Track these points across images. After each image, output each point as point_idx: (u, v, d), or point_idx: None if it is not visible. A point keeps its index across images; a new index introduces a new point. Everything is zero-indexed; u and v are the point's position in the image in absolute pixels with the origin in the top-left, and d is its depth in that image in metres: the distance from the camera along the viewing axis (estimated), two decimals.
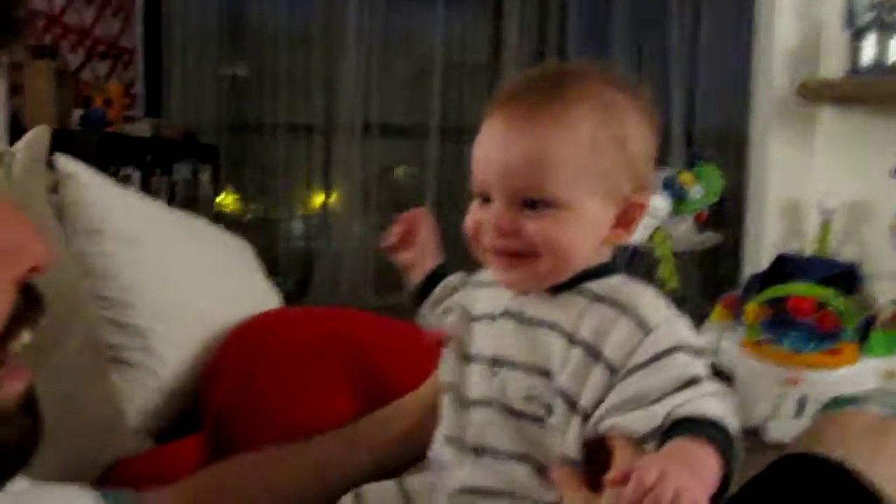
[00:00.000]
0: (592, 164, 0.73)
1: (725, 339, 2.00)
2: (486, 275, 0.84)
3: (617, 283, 0.75)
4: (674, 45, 4.38)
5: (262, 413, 1.12)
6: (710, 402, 0.66)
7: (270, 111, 4.36)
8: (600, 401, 0.69)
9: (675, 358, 0.68)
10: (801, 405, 2.27)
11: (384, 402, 0.95)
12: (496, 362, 0.77)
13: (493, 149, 0.75)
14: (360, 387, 1.13)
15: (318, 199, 4.50)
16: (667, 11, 4.40)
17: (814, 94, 2.28)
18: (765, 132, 2.43)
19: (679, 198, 2.06)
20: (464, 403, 0.79)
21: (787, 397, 2.26)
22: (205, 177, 3.84)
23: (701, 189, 2.04)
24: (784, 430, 2.25)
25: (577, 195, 0.73)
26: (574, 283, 0.76)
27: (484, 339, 0.80)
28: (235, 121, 4.41)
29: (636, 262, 2.30)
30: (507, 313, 0.78)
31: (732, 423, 0.65)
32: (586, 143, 0.73)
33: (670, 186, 2.06)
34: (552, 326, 0.74)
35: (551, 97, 0.74)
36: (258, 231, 4.53)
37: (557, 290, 0.76)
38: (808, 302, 1.84)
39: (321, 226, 4.48)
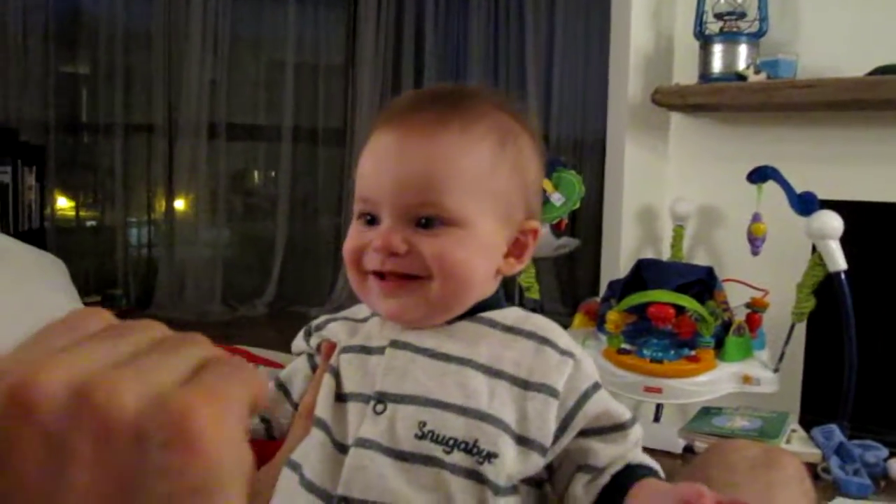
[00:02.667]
0: (491, 183, 0.71)
1: (587, 348, 1.96)
2: (359, 310, 0.79)
3: (521, 314, 0.74)
4: (530, 53, 4.41)
5: None
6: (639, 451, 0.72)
7: (107, 111, 4.04)
8: (552, 428, 0.68)
9: (601, 396, 0.71)
10: (660, 410, 2.29)
11: None
12: (382, 399, 0.68)
13: (386, 163, 0.71)
14: None
15: (162, 204, 4.21)
16: (523, 21, 4.42)
17: (667, 100, 2.29)
18: (620, 138, 2.43)
19: None
20: (337, 446, 0.69)
21: (647, 404, 2.26)
22: (29, 179, 3.49)
23: (561, 196, 1.99)
24: (643, 435, 2.26)
25: (475, 214, 0.70)
26: (470, 313, 0.73)
27: (364, 374, 0.71)
28: (66, 120, 4.05)
29: None
30: (396, 344, 0.72)
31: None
32: (486, 162, 0.71)
33: None
34: (462, 361, 0.70)
35: (451, 113, 0.71)
36: (95, 239, 4.19)
37: (451, 319, 0.72)
38: (668, 308, 1.82)
39: (165, 233, 4.19)
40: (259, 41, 4.31)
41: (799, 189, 1.87)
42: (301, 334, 0.83)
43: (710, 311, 1.86)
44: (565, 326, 2.17)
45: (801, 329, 2.02)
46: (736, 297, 2.03)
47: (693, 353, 1.85)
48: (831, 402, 1.86)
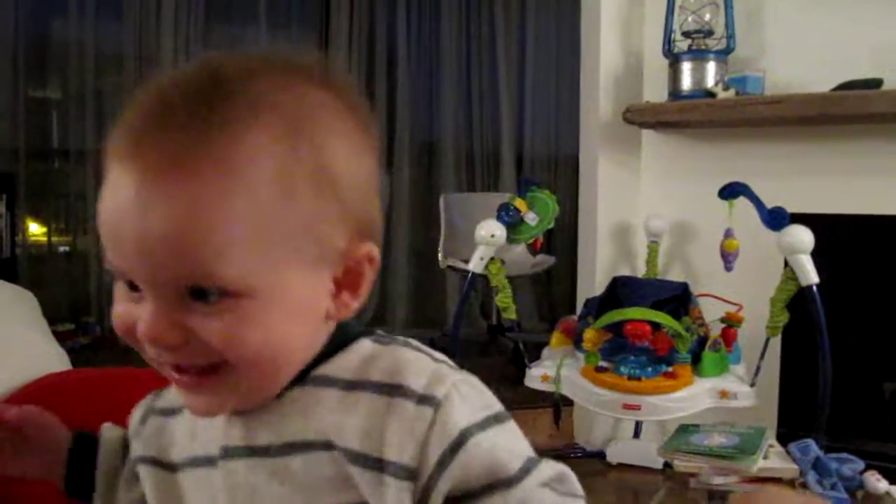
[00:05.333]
0: (283, 221, 0.49)
1: (565, 367, 1.96)
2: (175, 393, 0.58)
3: (366, 354, 0.55)
4: (502, 74, 4.44)
5: (39, 500, 0.93)
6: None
7: (78, 136, 4.01)
8: None
9: (478, 445, 0.51)
10: (639, 427, 2.30)
11: None
12: None
13: (125, 219, 0.48)
14: None
15: None
16: (494, 43, 4.45)
17: (638, 118, 2.32)
18: (593, 157, 2.45)
19: (514, 224, 2.01)
20: None
21: (627, 420, 2.27)
22: None
23: (536, 216, 2.00)
24: (623, 452, 2.26)
25: (267, 272, 0.49)
26: (304, 372, 0.54)
27: (199, 496, 0.57)
28: (37, 146, 4.01)
29: (474, 291, 2.24)
30: (228, 451, 0.55)
31: None
32: (268, 190, 0.48)
33: (505, 213, 2.01)
34: (304, 447, 0.52)
35: (204, 122, 0.48)
36: (67, 265, 4.14)
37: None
38: (644, 326, 1.83)
39: None
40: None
41: (770, 203, 1.89)
42: (138, 415, 0.65)
43: (685, 328, 1.88)
44: (544, 344, 2.18)
45: (776, 343, 2.03)
46: (711, 312, 2.04)
47: (670, 369, 1.86)
48: (808, 414, 1.87)
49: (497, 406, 0.54)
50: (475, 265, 2.01)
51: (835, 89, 2.04)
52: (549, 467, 0.54)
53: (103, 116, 4.05)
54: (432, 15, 4.46)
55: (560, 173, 4.43)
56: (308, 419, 0.53)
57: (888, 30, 2.09)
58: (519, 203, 2.01)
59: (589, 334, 1.91)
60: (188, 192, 0.47)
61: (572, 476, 0.55)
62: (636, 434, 2.31)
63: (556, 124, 4.50)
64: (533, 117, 4.54)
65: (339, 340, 0.56)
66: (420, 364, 0.53)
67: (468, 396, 0.53)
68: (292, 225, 0.50)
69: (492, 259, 2.02)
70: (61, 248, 4.21)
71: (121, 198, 0.49)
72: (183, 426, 0.60)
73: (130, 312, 0.51)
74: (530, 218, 2.00)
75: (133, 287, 0.51)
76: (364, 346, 0.56)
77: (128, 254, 0.49)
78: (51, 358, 1.33)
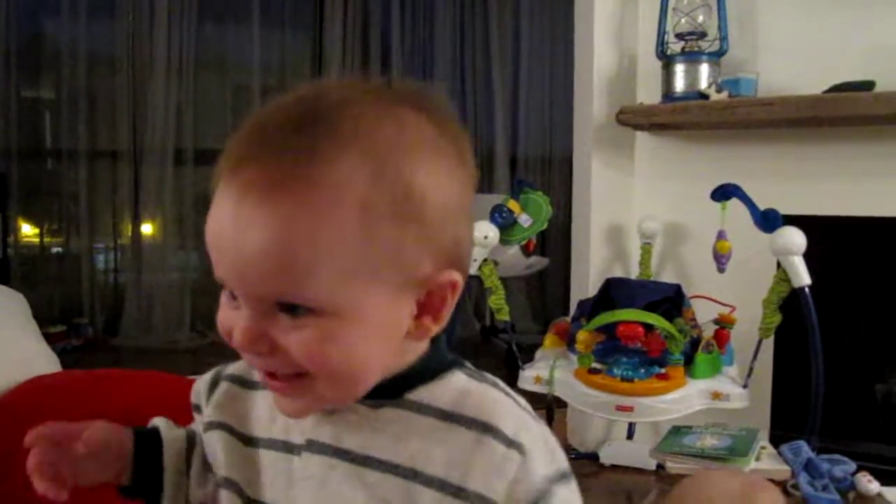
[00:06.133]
0: (367, 245, 0.52)
1: (559, 368, 1.96)
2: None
3: (460, 389, 0.58)
4: (496, 76, 4.45)
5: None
6: None
7: (70, 136, 4.00)
8: None
9: (559, 497, 0.56)
10: (632, 428, 2.30)
11: None
12: None
13: (226, 233, 0.53)
14: None
15: (128, 230, 4.16)
16: (488, 45, 4.46)
17: (632, 120, 2.32)
18: (587, 158, 2.45)
19: (507, 226, 2.01)
20: None
21: (620, 422, 2.27)
22: None
23: (529, 217, 2.00)
24: (617, 453, 2.26)
25: (351, 294, 0.52)
26: (399, 390, 0.58)
27: (277, 483, 0.60)
28: (29, 146, 4.00)
29: (468, 291, 2.23)
30: (313, 445, 0.59)
31: None
32: (354, 216, 0.51)
33: (498, 215, 2.01)
34: (385, 466, 0.56)
35: (299, 151, 0.51)
36: (59, 266, 4.13)
37: (380, 398, 0.58)
38: (637, 327, 1.83)
39: (131, 259, 4.14)
40: (224, 65, 4.30)
41: (763, 205, 1.89)
42: (205, 381, 0.69)
43: (678, 329, 1.88)
44: (538, 345, 2.18)
45: (768, 344, 2.04)
46: (703, 314, 2.05)
47: (663, 370, 1.86)
48: (800, 415, 1.88)
49: (565, 463, 0.59)
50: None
51: (827, 91, 2.04)
52: None
53: (96, 117, 4.05)
54: (426, 16, 4.46)
55: (553, 174, 4.44)
56: (399, 442, 0.56)
57: (881, 32, 2.10)
58: (512, 204, 2.01)
59: (582, 336, 1.91)
60: (281, 214, 0.51)
61: None
62: (629, 436, 2.31)
63: (550, 126, 4.51)
64: (526, 119, 4.55)
65: (434, 366, 0.59)
66: (510, 409, 0.58)
67: (548, 451, 0.57)
68: (377, 251, 0.53)
69: (485, 260, 2.01)
70: (53, 250, 4.20)
71: (221, 214, 0.53)
72: (264, 404, 0.63)
73: (230, 318, 0.56)
74: (524, 219, 2.00)
75: (234, 295, 0.56)
76: (459, 378, 0.59)
77: (227, 266, 0.54)
78: (40, 360, 1.33)
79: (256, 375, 0.63)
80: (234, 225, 0.52)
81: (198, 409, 0.69)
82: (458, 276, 0.57)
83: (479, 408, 0.57)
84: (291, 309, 0.52)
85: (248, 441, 0.63)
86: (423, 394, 0.58)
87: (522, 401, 0.60)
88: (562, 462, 0.58)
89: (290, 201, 0.51)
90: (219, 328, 0.57)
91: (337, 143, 0.52)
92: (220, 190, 0.54)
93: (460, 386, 0.59)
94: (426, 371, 0.59)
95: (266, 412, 0.63)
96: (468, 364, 0.62)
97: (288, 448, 0.60)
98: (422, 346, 0.60)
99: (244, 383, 0.66)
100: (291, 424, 0.60)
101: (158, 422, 0.71)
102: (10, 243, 3.92)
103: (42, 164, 4.14)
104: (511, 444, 0.55)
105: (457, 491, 0.54)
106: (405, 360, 0.59)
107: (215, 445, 0.65)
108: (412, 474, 0.55)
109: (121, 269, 4.20)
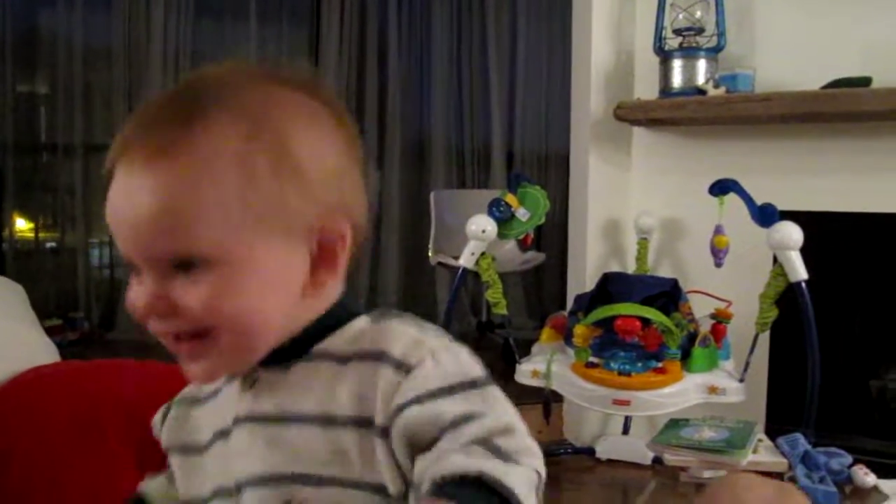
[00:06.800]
0: (248, 196, 0.56)
1: (556, 362, 1.97)
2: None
3: (360, 329, 0.61)
4: (493, 71, 4.44)
5: (26, 498, 0.92)
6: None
7: (66, 130, 3.99)
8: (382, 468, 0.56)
9: (430, 404, 0.55)
10: (628, 423, 2.30)
11: None
12: (240, 489, 0.60)
13: (119, 205, 0.58)
14: (148, 456, 0.95)
15: None
16: (485, 39, 4.46)
17: (629, 115, 2.32)
18: (584, 153, 2.46)
19: (505, 220, 2.02)
20: None
21: (616, 417, 2.28)
22: None
23: (526, 211, 2.01)
24: (613, 448, 2.27)
25: (239, 243, 0.56)
26: (305, 347, 0.60)
27: (219, 469, 0.63)
28: (24, 140, 3.99)
29: (463, 287, 2.24)
30: (240, 420, 0.62)
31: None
32: (232, 171, 0.56)
33: (496, 209, 2.01)
34: (301, 418, 0.58)
35: (177, 120, 0.57)
36: (55, 260, 4.12)
37: (287, 360, 0.60)
38: (634, 321, 1.84)
39: None
40: (221, 59, 4.29)
41: (759, 200, 1.90)
42: (158, 416, 0.72)
43: (675, 323, 1.88)
44: (534, 340, 2.19)
45: (764, 338, 2.04)
46: (700, 309, 2.05)
47: (660, 364, 1.86)
48: (795, 410, 1.89)
49: (473, 372, 0.57)
50: (466, 260, 2.01)
51: (824, 87, 2.05)
52: (494, 420, 0.54)
53: (92, 110, 4.03)
54: (423, 12, 4.46)
55: (550, 171, 4.44)
56: (308, 392, 0.59)
57: (877, 28, 2.10)
58: (510, 199, 2.02)
59: (579, 330, 1.92)
60: (164, 176, 0.56)
61: (525, 439, 0.55)
62: (625, 430, 2.32)
63: (546, 122, 4.51)
64: (523, 115, 4.55)
65: (339, 318, 0.62)
66: (403, 332, 0.59)
67: (442, 363, 0.56)
68: (256, 202, 0.57)
69: (483, 254, 2.02)
70: (49, 244, 4.19)
71: (114, 193, 0.58)
72: (209, 411, 0.66)
73: (134, 296, 0.59)
74: (521, 214, 2.00)
75: (138, 270, 0.59)
76: (360, 322, 0.62)
77: (124, 236, 0.58)
78: (40, 350, 1.33)
79: (202, 390, 0.68)
80: (124, 197, 0.57)
81: (158, 437, 0.71)
82: (346, 228, 0.60)
83: (373, 340, 0.59)
84: (186, 266, 0.56)
85: (199, 451, 0.66)
86: (325, 343, 0.60)
87: (430, 325, 0.60)
88: (461, 374, 0.56)
89: (170, 165, 0.56)
90: (127, 307, 0.59)
91: (212, 111, 0.57)
92: (115, 172, 0.58)
93: (359, 328, 0.61)
94: (330, 323, 0.61)
95: (207, 419, 0.66)
96: (381, 310, 0.63)
97: (224, 434, 0.63)
98: (324, 305, 0.62)
99: (192, 402, 0.69)
100: (225, 413, 0.63)
101: (145, 487, 0.74)
102: (4, 237, 3.91)
103: (37, 159, 4.12)
104: (398, 364, 0.56)
105: (369, 423, 0.56)
106: (309, 317, 0.61)
107: (175, 471, 0.68)
108: (325, 419, 0.57)
109: (117, 262, 4.19)
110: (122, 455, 0.96)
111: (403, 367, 0.56)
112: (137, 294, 0.58)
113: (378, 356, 0.57)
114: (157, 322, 0.58)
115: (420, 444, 0.54)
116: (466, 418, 0.53)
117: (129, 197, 0.57)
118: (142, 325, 0.59)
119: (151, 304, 0.57)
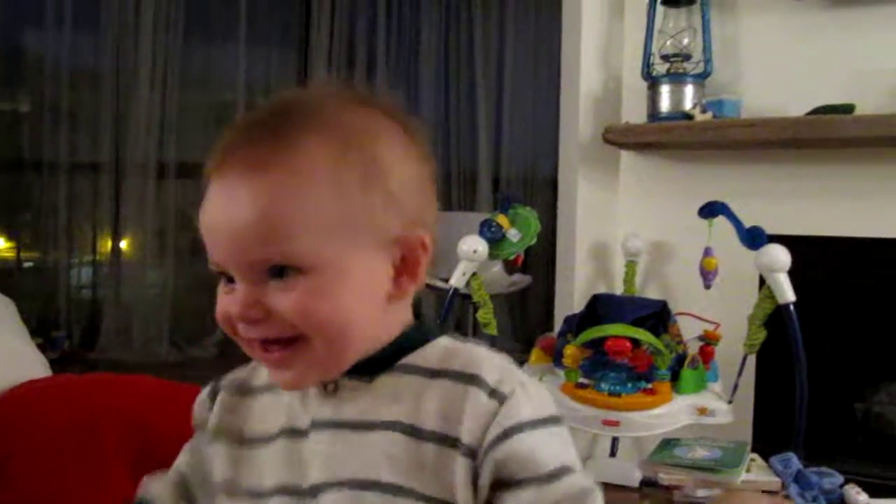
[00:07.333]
0: (341, 208, 0.60)
1: (545, 383, 1.97)
2: (262, 374, 0.69)
3: (447, 349, 0.64)
4: (480, 95, 4.48)
5: None
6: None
7: (50, 149, 3.96)
8: (459, 486, 0.59)
9: (522, 440, 0.59)
10: (616, 445, 2.31)
11: None
12: (315, 493, 0.62)
13: (217, 214, 0.61)
14: (144, 467, 0.95)
15: (107, 244, 4.12)
16: (473, 63, 4.49)
17: (617, 139, 2.35)
18: (573, 176, 2.48)
19: (496, 241, 2.03)
20: None
21: (603, 439, 2.28)
22: None
23: (517, 232, 2.02)
24: (600, 470, 2.27)
25: (332, 251, 0.60)
26: (390, 361, 0.63)
27: (287, 469, 0.64)
28: (8, 158, 3.96)
29: (454, 307, 2.24)
30: (320, 425, 0.64)
31: None
32: (326, 185, 0.60)
33: (487, 229, 2.02)
34: (384, 425, 0.61)
35: (275, 137, 0.61)
36: (36, 279, 4.08)
37: (372, 372, 0.63)
38: (625, 342, 1.85)
39: (110, 273, 4.10)
40: (209, 80, 4.30)
41: (746, 224, 1.92)
42: (204, 396, 0.73)
43: (665, 345, 1.89)
44: (520, 363, 2.19)
45: (750, 360, 2.06)
46: (688, 331, 2.07)
47: (650, 385, 1.87)
48: (782, 431, 1.90)
49: (554, 410, 0.63)
50: (457, 280, 2.02)
51: (809, 114, 2.09)
52: (579, 482, 0.60)
53: (77, 130, 4.01)
54: (411, 36, 4.50)
55: (535, 194, 4.47)
56: (394, 402, 0.61)
57: (861, 57, 2.15)
58: (501, 219, 2.03)
59: (569, 350, 1.92)
60: (262, 188, 0.59)
61: (598, 498, 0.61)
62: (612, 452, 2.32)
63: (533, 146, 4.54)
64: (510, 139, 4.58)
65: (421, 336, 0.65)
66: (494, 360, 0.63)
67: (532, 395, 0.61)
68: (347, 213, 0.60)
69: (473, 275, 2.02)
70: (31, 262, 4.15)
71: (211, 202, 0.61)
72: (263, 405, 0.68)
73: (227, 303, 0.61)
74: (512, 234, 2.02)
75: (229, 280, 0.61)
76: (444, 341, 0.65)
77: (221, 244, 0.60)
78: (32, 363, 1.32)
79: (255, 380, 0.69)
80: (222, 206, 0.60)
81: (200, 427, 0.71)
82: (427, 236, 0.64)
83: (464, 362, 0.62)
84: (280, 273, 0.59)
85: (249, 444, 0.67)
86: (411, 358, 0.63)
87: (508, 358, 0.65)
88: (546, 409, 0.61)
89: (269, 178, 0.59)
90: (218, 318, 0.62)
91: (307, 129, 0.61)
92: (210, 184, 0.62)
93: (446, 346, 0.64)
94: (414, 339, 0.65)
95: (267, 412, 0.67)
96: (455, 334, 0.67)
97: (296, 433, 0.64)
98: (408, 318, 0.66)
99: (242, 391, 0.70)
100: (297, 412, 0.65)
101: (148, 491, 0.73)
102: None
103: (20, 177, 4.09)
104: (493, 392, 0.59)
105: (453, 442, 0.59)
106: (394, 331, 0.64)
107: (216, 458, 0.69)
108: (410, 430, 0.60)
109: (99, 282, 4.15)
110: (119, 463, 0.96)
111: (497, 395, 0.59)
112: (230, 301, 0.61)
113: (470, 378, 0.60)
114: (248, 328, 0.60)
115: (507, 478, 0.58)
116: (562, 472, 0.59)
117: (228, 206, 0.60)
118: (230, 333, 0.62)
119: (245, 309, 0.59)
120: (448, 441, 0.59)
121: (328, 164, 0.60)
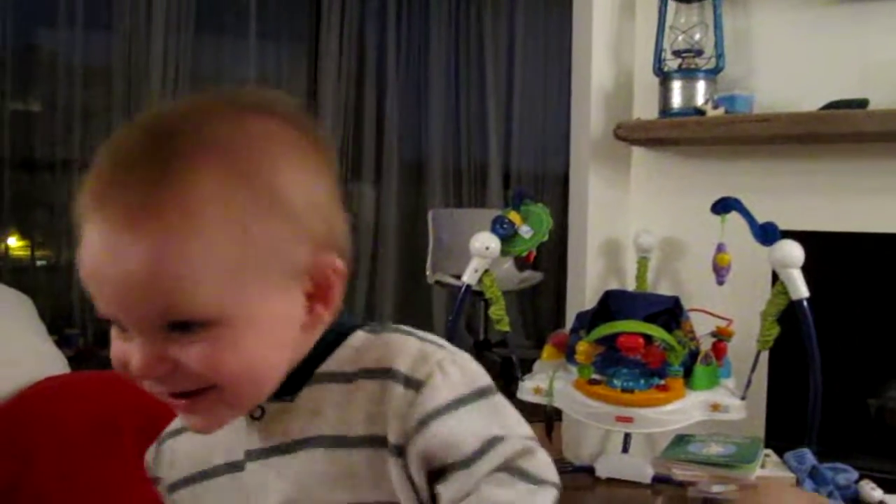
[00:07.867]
0: (240, 248, 0.53)
1: (558, 379, 1.97)
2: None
3: (360, 345, 0.59)
4: (491, 92, 4.47)
5: (46, 500, 0.92)
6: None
7: (63, 147, 3.98)
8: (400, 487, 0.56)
9: (441, 425, 0.55)
10: (628, 441, 2.30)
11: None
12: None
13: (100, 266, 0.53)
14: None
15: None
16: (483, 60, 4.49)
17: (629, 135, 2.35)
18: (584, 173, 2.48)
19: (508, 237, 2.03)
20: None
21: (615, 435, 2.28)
22: None
23: (530, 229, 2.02)
24: (612, 466, 2.27)
25: (235, 298, 0.53)
26: (310, 371, 0.59)
27: (230, 499, 0.62)
28: (22, 157, 3.98)
29: (467, 303, 2.25)
30: (251, 454, 0.60)
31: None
32: (220, 224, 0.52)
33: (499, 225, 2.02)
34: (312, 442, 0.57)
35: (156, 171, 0.52)
36: (50, 277, 4.11)
37: (294, 390, 0.59)
38: (637, 338, 1.85)
39: None
40: (220, 77, 4.31)
41: (759, 220, 1.92)
42: (152, 451, 0.70)
43: (677, 341, 1.89)
44: (532, 360, 2.19)
45: (763, 356, 2.06)
46: (701, 327, 2.06)
47: (663, 382, 1.87)
48: (795, 427, 1.89)
49: (481, 381, 0.58)
50: (469, 277, 2.02)
51: (822, 109, 2.08)
52: (510, 447, 0.56)
53: (90, 129, 4.03)
54: (421, 31, 4.50)
55: (545, 190, 4.47)
56: (317, 416, 0.58)
57: (875, 51, 2.14)
58: (513, 216, 2.03)
59: (582, 347, 1.92)
60: (148, 239, 0.51)
61: (542, 456, 0.58)
62: (625, 448, 2.32)
63: (543, 142, 4.54)
64: (520, 135, 4.58)
65: (335, 336, 0.60)
66: (406, 346, 0.58)
67: (450, 374, 0.56)
68: (254, 252, 0.54)
69: (486, 271, 2.03)
70: (44, 261, 4.17)
71: (92, 250, 0.54)
72: (189, 442, 0.65)
73: (123, 350, 0.55)
74: (524, 231, 2.02)
75: (123, 327, 0.55)
76: (357, 337, 0.60)
77: (108, 299, 0.53)
78: (51, 360, 1.33)
79: None
80: (106, 259, 0.53)
81: (156, 480, 0.70)
82: (338, 260, 0.58)
83: (378, 356, 0.58)
84: (183, 327, 0.53)
85: (207, 476, 0.65)
86: (328, 364, 0.59)
87: (427, 335, 0.60)
88: (467, 385, 0.57)
89: (153, 226, 0.51)
90: (113, 363, 0.56)
91: (192, 158, 0.53)
92: (86, 226, 0.54)
93: (359, 344, 0.60)
94: (330, 342, 0.60)
95: (198, 446, 0.64)
96: (372, 323, 0.63)
97: (234, 467, 0.61)
98: (314, 334, 0.60)
99: (182, 431, 0.67)
100: (232, 445, 0.61)
101: None
102: (0, 254, 3.89)
103: (34, 176, 4.12)
104: (408, 381, 0.56)
105: (383, 443, 0.56)
106: (309, 347, 0.60)
107: (188, 502, 0.67)
108: (336, 441, 0.57)
109: None
110: (139, 460, 0.97)
111: (413, 384, 0.55)
112: (127, 353, 0.55)
113: (385, 373, 0.56)
114: (152, 384, 0.55)
115: (438, 466, 0.55)
116: (487, 446, 0.55)
117: (112, 257, 0.52)
118: (128, 379, 0.56)
119: (147, 368, 0.54)
120: (377, 442, 0.56)
121: (221, 198, 0.53)
